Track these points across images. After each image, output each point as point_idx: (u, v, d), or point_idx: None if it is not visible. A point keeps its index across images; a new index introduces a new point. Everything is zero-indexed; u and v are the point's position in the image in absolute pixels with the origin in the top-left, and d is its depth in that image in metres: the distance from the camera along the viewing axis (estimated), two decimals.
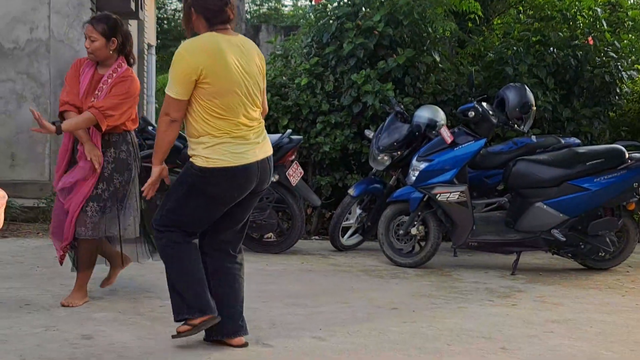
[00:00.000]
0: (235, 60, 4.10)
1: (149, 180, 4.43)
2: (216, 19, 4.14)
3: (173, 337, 4.33)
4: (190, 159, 4.21)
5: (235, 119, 4.12)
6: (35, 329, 4.60)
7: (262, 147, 4.26)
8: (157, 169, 4.40)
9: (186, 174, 4.27)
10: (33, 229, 8.28)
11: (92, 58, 5.22)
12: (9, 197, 4.79)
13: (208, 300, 4.27)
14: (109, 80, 5.18)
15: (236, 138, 4.13)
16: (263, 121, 4.36)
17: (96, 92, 5.17)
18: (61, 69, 10.16)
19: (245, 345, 4.40)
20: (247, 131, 4.18)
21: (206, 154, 4.12)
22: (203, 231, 4.38)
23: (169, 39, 25.45)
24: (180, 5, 26.22)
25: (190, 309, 4.25)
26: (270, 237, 7.76)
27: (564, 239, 6.77)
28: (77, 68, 5.26)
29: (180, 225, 4.27)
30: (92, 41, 5.15)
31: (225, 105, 4.09)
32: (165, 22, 26.00)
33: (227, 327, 4.38)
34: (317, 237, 8.44)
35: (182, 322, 4.28)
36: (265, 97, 4.43)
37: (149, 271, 6.44)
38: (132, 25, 14.86)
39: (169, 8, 26.66)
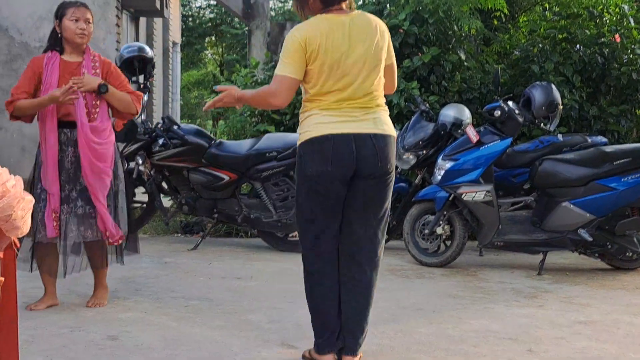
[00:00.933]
0: (337, 40, 3.86)
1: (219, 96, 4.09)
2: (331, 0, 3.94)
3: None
4: None
5: (335, 100, 3.87)
6: (61, 330, 4.62)
7: (366, 123, 3.89)
8: (238, 94, 4.07)
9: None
10: None
11: (79, 43, 5.04)
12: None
13: (326, 340, 4.01)
14: (97, 65, 5.10)
15: (327, 110, 3.87)
16: (381, 102, 3.99)
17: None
18: None
19: None
20: (346, 107, 3.88)
21: (300, 130, 3.93)
22: (343, 237, 4.02)
23: (194, 36, 25.56)
24: (204, 3, 26.31)
25: (316, 339, 4.06)
26: (295, 236, 7.76)
27: (591, 239, 6.71)
28: (34, 67, 5.01)
29: (307, 228, 3.99)
30: (88, 23, 5.07)
31: (325, 86, 3.86)
32: (190, 19, 26.07)
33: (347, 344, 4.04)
34: None
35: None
36: (390, 73, 4.10)
37: (174, 270, 6.48)
38: (157, 23, 14.93)
39: (193, 5, 26.74)
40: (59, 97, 4.83)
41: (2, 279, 2.80)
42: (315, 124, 3.86)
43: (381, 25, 4.02)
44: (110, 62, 5.23)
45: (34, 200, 2.63)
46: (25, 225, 2.57)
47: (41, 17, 10.11)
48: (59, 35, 5.09)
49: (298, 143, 3.96)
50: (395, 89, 4.25)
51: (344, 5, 3.96)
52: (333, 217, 3.96)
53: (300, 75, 3.86)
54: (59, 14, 5.08)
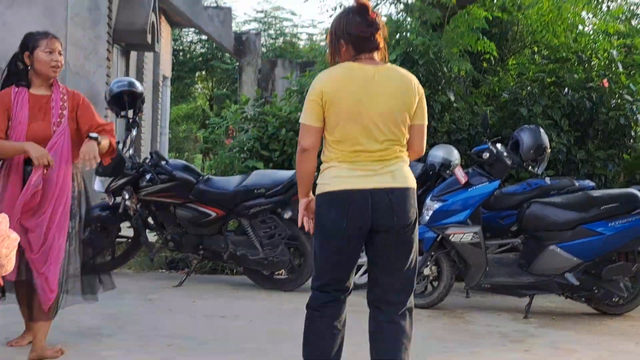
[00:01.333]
0: (354, 89, 3.88)
1: (300, 214, 4.07)
2: (364, 47, 3.95)
3: None
4: None
5: (349, 148, 3.87)
6: None
7: (384, 178, 3.87)
8: (304, 201, 4.06)
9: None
10: None
11: (53, 76, 4.87)
12: None
13: None
14: (65, 98, 4.90)
15: (347, 163, 3.88)
16: (400, 154, 3.96)
17: (53, 112, 4.82)
18: None
19: None
20: (365, 160, 3.88)
21: (319, 181, 3.96)
22: (370, 286, 4.04)
23: (184, 70, 25.61)
24: (195, 38, 26.38)
25: None
26: (282, 274, 7.72)
27: (577, 283, 6.70)
28: (3, 103, 4.76)
29: (321, 275, 3.98)
30: (60, 55, 4.92)
31: (341, 134, 3.87)
32: (180, 54, 26.15)
33: None
34: None
35: None
36: (418, 135, 4.04)
37: (158, 307, 6.43)
38: (148, 57, 14.96)
39: (185, 40, 26.81)
40: (35, 157, 4.60)
41: None
42: (333, 177, 3.87)
43: (415, 83, 4.02)
44: (79, 94, 5.04)
45: (19, 239, 2.60)
46: (10, 264, 2.54)
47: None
48: (28, 68, 4.88)
49: (317, 192, 3.95)
50: (423, 153, 4.15)
51: (375, 55, 3.97)
52: (345, 269, 3.97)
53: (318, 123, 3.88)
54: (31, 46, 4.85)
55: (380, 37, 3.96)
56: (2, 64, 10.19)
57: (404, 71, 4.06)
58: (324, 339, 3.95)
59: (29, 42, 4.89)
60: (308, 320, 3.99)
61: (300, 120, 3.96)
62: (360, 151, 3.86)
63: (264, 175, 7.63)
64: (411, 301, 4.03)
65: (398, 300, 3.97)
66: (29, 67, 4.89)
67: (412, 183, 3.95)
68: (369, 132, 3.85)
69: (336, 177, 3.86)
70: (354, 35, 3.92)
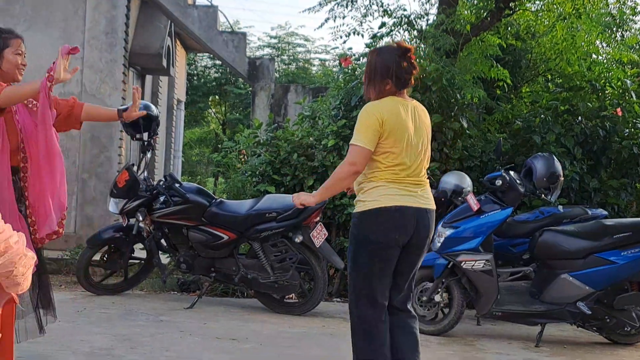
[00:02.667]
0: (405, 123, 4.37)
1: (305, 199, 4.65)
2: (405, 85, 4.47)
3: None
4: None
5: (400, 173, 4.36)
6: None
7: (423, 198, 4.43)
8: (316, 200, 4.63)
9: (351, 232, 4.50)
10: (56, 281, 8.28)
11: (18, 78, 4.51)
12: None
13: None
14: (32, 101, 4.50)
15: (394, 183, 4.36)
16: (427, 179, 4.56)
17: (17, 117, 4.44)
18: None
19: None
20: (409, 183, 4.39)
21: (363, 198, 4.40)
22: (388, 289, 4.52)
23: (199, 94, 25.71)
24: (209, 62, 26.52)
25: None
26: (292, 298, 7.72)
27: (589, 312, 6.67)
28: None
29: (360, 288, 4.45)
30: (25, 57, 4.56)
31: (392, 161, 4.34)
32: (195, 78, 26.28)
33: None
34: (339, 299, 8.39)
35: None
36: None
37: (169, 329, 6.43)
38: (163, 81, 15.08)
39: (199, 65, 26.96)
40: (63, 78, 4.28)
41: (0, 334, 2.79)
42: (383, 195, 4.32)
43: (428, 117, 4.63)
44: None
45: (35, 257, 2.63)
46: (26, 282, 2.56)
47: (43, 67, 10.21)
48: None
49: (360, 209, 4.37)
50: None
51: (405, 91, 4.51)
52: (388, 275, 4.44)
53: (373, 147, 4.31)
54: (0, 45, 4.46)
55: (412, 76, 4.50)
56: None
57: (420, 105, 4.61)
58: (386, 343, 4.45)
59: None
60: (362, 329, 4.41)
61: (356, 143, 4.31)
62: (407, 175, 4.37)
63: (275, 200, 7.65)
64: None
65: (410, 304, 4.57)
66: None
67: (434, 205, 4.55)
68: (414, 159, 4.39)
69: (386, 195, 4.32)
70: (402, 76, 4.41)
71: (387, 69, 4.41)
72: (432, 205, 4.49)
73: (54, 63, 4.25)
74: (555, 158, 7.23)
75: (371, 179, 4.37)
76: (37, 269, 4.24)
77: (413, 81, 4.51)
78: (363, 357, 4.41)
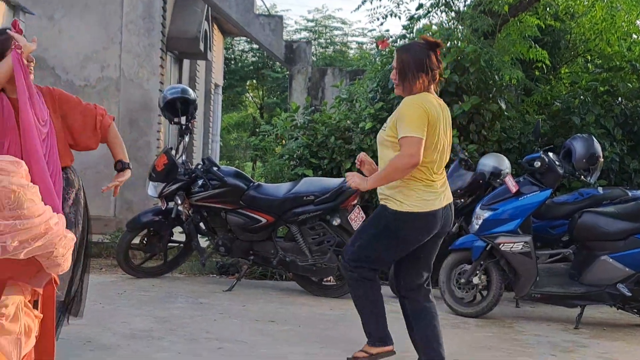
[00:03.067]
0: (439, 118, 4.49)
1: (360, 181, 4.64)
2: (433, 79, 4.57)
3: (348, 359, 4.74)
4: (384, 202, 4.56)
5: (430, 170, 4.49)
6: None
7: (445, 195, 4.59)
8: (369, 187, 4.61)
9: (379, 216, 4.60)
10: (96, 265, 8.38)
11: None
12: None
13: (388, 333, 4.73)
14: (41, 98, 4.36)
15: (427, 187, 4.49)
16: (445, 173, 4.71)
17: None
18: (131, 108, 10.39)
19: None
20: (437, 181, 4.54)
21: (400, 198, 4.48)
22: (397, 276, 4.76)
23: (236, 79, 25.77)
24: (246, 46, 26.57)
25: (372, 337, 4.71)
26: (330, 281, 7.74)
27: (629, 294, 6.60)
28: None
29: (369, 262, 4.65)
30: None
31: (427, 157, 4.42)
32: (232, 62, 26.34)
33: None
34: None
35: (361, 349, 4.74)
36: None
37: (208, 311, 6.49)
38: (201, 65, 15.14)
39: (236, 49, 27.01)
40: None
41: (41, 315, 2.83)
42: (422, 200, 4.47)
43: None
44: (51, 89, 4.58)
45: (75, 239, 2.67)
46: (66, 263, 2.61)
47: (87, 56, 10.32)
48: None
49: (397, 209, 4.48)
50: None
51: (432, 87, 4.61)
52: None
53: (425, 138, 4.40)
54: (0, 47, 4.26)
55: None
56: (58, 71, 10.44)
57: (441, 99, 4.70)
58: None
59: None
60: (366, 287, 4.66)
61: (411, 134, 4.35)
62: (434, 172, 4.51)
63: (313, 183, 7.66)
64: None
65: (427, 284, 4.72)
66: None
67: None
68: (441, 155, 4.52)
69: (424, 201, 4.47)
70: (434, 71, 4.52)
71: (421, 64, 4.49)
72: (451, 197, 4.69)
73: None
74: (594, 139, 7.15)
75: (406, 179, 4.46)
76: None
77: (438, 76, 4.59)
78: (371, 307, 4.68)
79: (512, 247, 6.71)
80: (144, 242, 8.07)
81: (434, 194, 4.51)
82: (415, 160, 4.34)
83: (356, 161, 4.79)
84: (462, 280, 6.96)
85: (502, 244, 6.71)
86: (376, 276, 4.71)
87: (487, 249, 6.83)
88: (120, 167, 4.85)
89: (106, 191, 4.78)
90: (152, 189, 7.88)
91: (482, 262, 6.89)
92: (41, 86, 4.57)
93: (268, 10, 22.76)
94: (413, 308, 4.70)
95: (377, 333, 4.70)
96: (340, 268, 4.98)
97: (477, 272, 6.89)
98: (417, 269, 4.67)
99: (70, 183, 4.62)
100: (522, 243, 6.70)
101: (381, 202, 4.60)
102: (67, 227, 3.96)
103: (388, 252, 4.63)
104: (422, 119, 4.38)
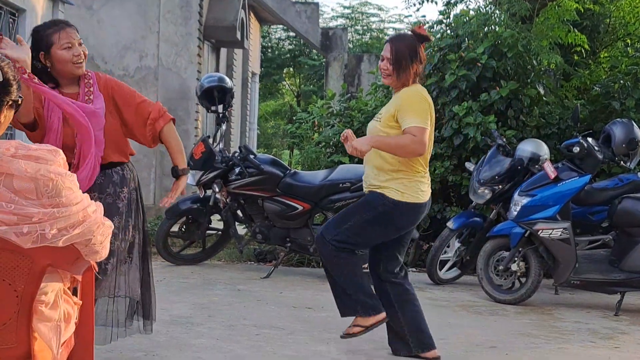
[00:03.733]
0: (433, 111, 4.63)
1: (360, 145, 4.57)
2: (422, 70, 4.71)
3: (342, 337, 4.83)
4: (380, 191, 4.60)
5: (425, 161, 4.63)
6: (135, 354, 4.71)
7: (429, 185, 4.74)
8: (370, 148, 4.51)
9: (373, 204, 4.62)
10: None
11: (77, 72, 4.07)
12: None
13: (379, 301, 4.73)
14: (91, 90, 4.11)
15: (423, 177, 4.64)
16: None
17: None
18: (169, 97, 10.46)
19: (438, 358, 4.79)
20: (427, 172, 4.70)
21: (401, 189, 4.57)
22: (378, 261, 4.86)
23: (272, 67, 25.84)
24: (283, 35, 26.61)
25: (364, 307, 4.69)
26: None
27: None
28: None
29: (355, 245, 4.73)
30: (81, 44, 4.10)
31: (427, 149, 4.53)
32: (269, 50, 26.40)
33: (422, 342, 4.77)
34: (414, 269, 8.38)
35: (351, 325, 4.77)
36: None
37: (246, 298, 6.53)
38: (238, 54, 15.18)
39: (273, 37, 27.06)
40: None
41: (80, 302, 2.87)
42: (421, 191, 4.60)
43: None
44: (108, 80, 4.25)
45: (113, 226, 2.70)
46: (104, 250, 2.63)
47: (125, 46, 10.40)
48: (48, 70, 4.02)
49: (398, 198, 4.55)
50: None
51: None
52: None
53: None
54: (44, 44, 3.99)
55: None
56: (97, 60, 10.52)
57: None
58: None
59: (41, 40, 4.00)
60: (348, 261, 4.72)
61: (423, 125, 4.43)
62: (426, 163, 4.65)
63: (349, 170, 7.66)
64: None
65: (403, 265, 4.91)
66: (48, 68, 4.03)
67: None
68: (430, 147, 4.59)
69: (423, 192, 4.61)
70: (422, 63, 4.64)
71: (415, 53, 4.59)
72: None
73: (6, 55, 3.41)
74: (634, 124, 7.06)
75: (409, 168, 4.55)
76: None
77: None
78: (356, 278, 4.75)
79: (550, 234, 6.65)
80: (183, 229, 8.14)
81: (427, 185, 4.68)
82: (423, 150, 4.44)
83: (341, 137, 4.69)
84: (501, 267, 6.92)
85: (540, 231, 6.67)
86: (355, 254, 4.79)
87: (526, 235, 6.78)
88: (175, 174, 4.46)
89: (164, 204, 4.43)
90: (190, 177, 7.92)
91: (520, 249, 6.84)
92: (100, 73, 4.29)
93: None
94: (396, 291, 4.80)
95: (369, 301, 4.70)
96: (316, 243, 4.82)
97: (516, 258, 6.85)
98: (396, 253, 4.81)
99: (123, 181, 4.20)
100: (561, 229, 6.65)
101: (375, 191, 4.61)
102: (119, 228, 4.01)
103: (377, 238, 4.72)
104: (427, 111, 4.49)
